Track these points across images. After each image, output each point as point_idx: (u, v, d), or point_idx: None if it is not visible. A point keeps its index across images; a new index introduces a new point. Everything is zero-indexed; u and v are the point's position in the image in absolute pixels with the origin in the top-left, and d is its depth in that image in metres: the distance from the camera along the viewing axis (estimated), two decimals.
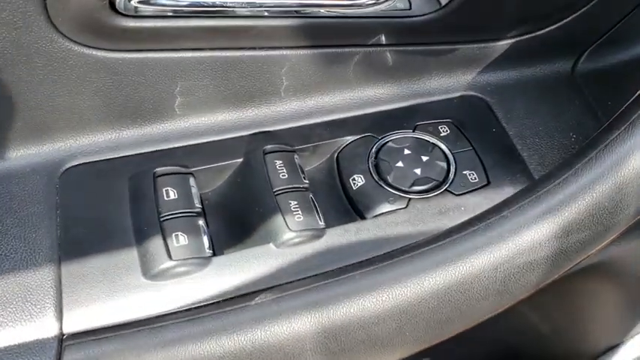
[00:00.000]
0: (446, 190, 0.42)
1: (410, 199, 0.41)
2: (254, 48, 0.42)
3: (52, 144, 0.41)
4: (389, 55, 0.45)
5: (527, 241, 0.36)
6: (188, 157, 0.42)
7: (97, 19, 0.36)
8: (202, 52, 0.41)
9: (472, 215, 0.39)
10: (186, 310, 0.36)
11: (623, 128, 0.36)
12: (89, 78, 0.39)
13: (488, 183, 0.42)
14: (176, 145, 0.43)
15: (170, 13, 0.40)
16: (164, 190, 0.40)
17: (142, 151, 0.42)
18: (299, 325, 0.35)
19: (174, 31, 0.39)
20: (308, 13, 0.43)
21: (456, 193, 0.42)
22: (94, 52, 0.38)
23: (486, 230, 0.37)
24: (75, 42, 0.37)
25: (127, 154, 0.42)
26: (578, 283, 0.61)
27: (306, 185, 0.41)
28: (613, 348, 0.69)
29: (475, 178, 0.42)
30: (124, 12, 0.37)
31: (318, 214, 0.40)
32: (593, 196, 0.36)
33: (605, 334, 0.70)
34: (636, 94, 0.38)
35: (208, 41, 0.40)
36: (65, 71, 0.38)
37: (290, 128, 0.44)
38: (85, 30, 0.37)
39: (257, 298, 0.36)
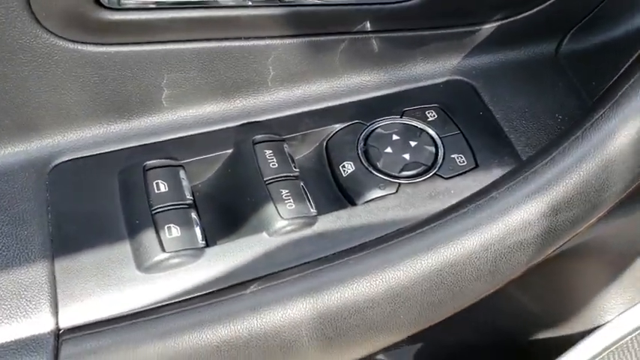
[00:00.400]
0: (435, 174, 0.42)
1: (400, 184, 0.42)
2: (239, 38, 0.42)
3: (39, 141, 0.40)
4: (374, 42, 0.45)
5: (516, 221, 0.37)
6: (177, 150, 0.42)
7: (82, 13, 0.36)
8: (188, 44, 0.40)
9: (462, 198, 0.39)
10: (181, 301, 0.36)
11: (607, 107, 0.37)
12: (75, 73, 0.39)
13: (477, 166, 0.43)
14: (165, 138, 0.42)
15: (153, 6, 0.40)
16: (154, 183, 0.40)
17: (131, 145, 0.42)
18: (294, 311, 0.36)
19: (159, 23, 0.39)
20: (292, 1, 0.43)
21: (445, 176, 0.42)
22: (79, 46, 0.38)
23: (476, 212, 0.37)
24: (59, 37, 0.37)
25: (116, 148, 0.42)
26: (564, 263, 0.62)
27: (296, 174, 0.41)
28: (599, 327, 0.70)
29: (463, 162, 0.43)
30: (108, 5, 0.37)
31: (310, 201, 0.40)
32: (581, 175, 0.37)
33: (592, 313, 0.71)
34: (619, 74, 0.39)
35: (193, 32, 0.40)
36: (50, 67, 0.38)
37: (278, 118, 0.44)
38: (70, 24, 0.36)
39: (252, 287, 0.36)
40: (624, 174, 0.38)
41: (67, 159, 0.41)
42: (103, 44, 0.38)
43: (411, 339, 0.81)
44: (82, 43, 0.38)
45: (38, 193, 0.39)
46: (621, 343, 0.70)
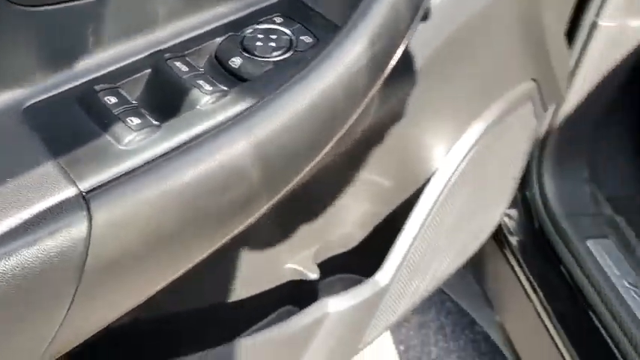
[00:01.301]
0: (295, 50, 0.62)
1: (274, 61, 0.60)
2: None
3: (5, 94, 0.53)
4: None
5: (353, 53, 0.57)
6: (111, 79, 0.57)
7: None
8: None
9: None
10: (162, 155, 0.51)
11: None
12: (25, 31, 0.52)
13: (319, 40, 0.63)
14: (99, 74, 0.57)
15: None
16: (105, 98, 0.54)
17: (76, 84, 0.56)
18: (240, 145, 0.53)
19: None
20: None
21: (302, 50, 0.62)
22: (25, 9, 0.51)
23: (325, 58, 0.57)
24: (16, 3, 0.50)
25: (66, 88, 0.55)
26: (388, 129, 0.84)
27: (202, 71, 0.58)
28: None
29: (309, 40, 0.63)
30: None
31: (221, 83, 0.57)
32: (377, 16, 0.58)
33: (421, 171, 0.93)
34: None
35: None
36: (9, 30, 0.51)
37: (175, 44, 0.61)
38: None
39: (206, 135, 0.52)
40: (405, 12, 0.60)
41: (33, 102, 0.53)
42: (41, 5, 0.52)
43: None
44: (27, 5, 0.51)
45: (21, 125, 0.51)
46: (453, 181, 0.94)
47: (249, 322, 0.99)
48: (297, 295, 1.01)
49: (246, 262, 0.92)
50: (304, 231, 0.96)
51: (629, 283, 1.17)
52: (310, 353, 0.93)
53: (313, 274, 0.97)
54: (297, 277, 0.98)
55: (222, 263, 0.83)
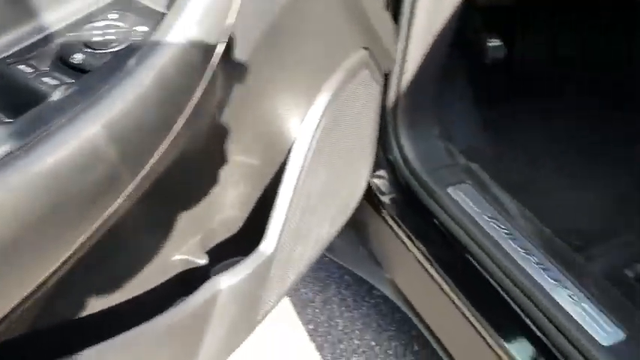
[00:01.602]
0: (131, 40, 0.68)
1: (113, 52, 0.66)
2: None
3: None
4: None
5: (182, 33, 0.64)
6: None
7: None
8: None
9: None
10: (19, 148, 0.55)
11: None
12: None
13: (152, 29, 0.69)
14: None
15: None
16: None
17: None
18: (93, 128, 0.58)
19: None
20: None
21: (138, 39, 0.68)
22: None
23: (156, 42, 0.63)
24: None
25: None
26: None
27: (47, 70, 0.63)
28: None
29: (144, 29, 0.69)
30: None
31: (66, 77, 0.62)
32: None
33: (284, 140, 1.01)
34: None
35: None
36: None
37: (17, 50, 0.65)
38: None
39: (59, 124, 0.57)
40: None
41: None
42: None
43: None
44: None
45: None
46: (312, 149, 1.02)
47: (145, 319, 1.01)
48: (190, 284, 1.05)
49: (131, 261, 0.94)
50: (184, 221, 0.99)
51: (489, 217, 1.28)
52: (210, 334, 0.97)
53: (202, 260, 1.01)
54: (186, 267, 1.02)
55: (105, 265, 0.86)
